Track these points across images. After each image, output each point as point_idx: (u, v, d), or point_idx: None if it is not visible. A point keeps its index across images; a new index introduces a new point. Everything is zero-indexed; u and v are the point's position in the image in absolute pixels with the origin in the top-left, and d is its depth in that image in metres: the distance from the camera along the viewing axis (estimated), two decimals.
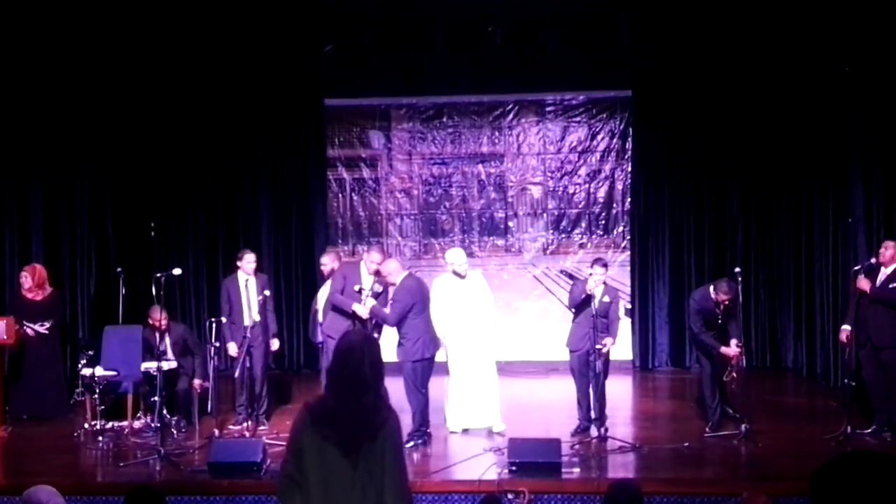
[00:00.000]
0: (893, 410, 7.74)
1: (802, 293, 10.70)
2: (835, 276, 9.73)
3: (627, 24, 10.50)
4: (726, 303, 7.78)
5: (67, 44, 9.85)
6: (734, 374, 7.87)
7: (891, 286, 7.68)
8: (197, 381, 8.42)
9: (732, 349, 7.83)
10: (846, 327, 7.95)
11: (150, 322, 8.55)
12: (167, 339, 8.66)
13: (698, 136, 11.41)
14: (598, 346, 7.79)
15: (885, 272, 7.76)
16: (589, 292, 7.87)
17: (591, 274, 8.05)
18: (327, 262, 8.66)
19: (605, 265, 8.22)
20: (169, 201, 11.63)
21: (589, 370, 7.93)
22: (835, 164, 9.88)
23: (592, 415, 7.98)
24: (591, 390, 7.99)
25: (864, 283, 7.72)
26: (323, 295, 8.51)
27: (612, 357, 8.29)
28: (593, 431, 7.89)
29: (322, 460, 3.36)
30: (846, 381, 7.94)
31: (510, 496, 6.33)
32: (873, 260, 7.92)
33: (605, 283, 8.13)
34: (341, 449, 3.34)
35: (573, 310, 8.16)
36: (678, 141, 11.46)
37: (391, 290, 8.06)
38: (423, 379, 7.84)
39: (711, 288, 7.92)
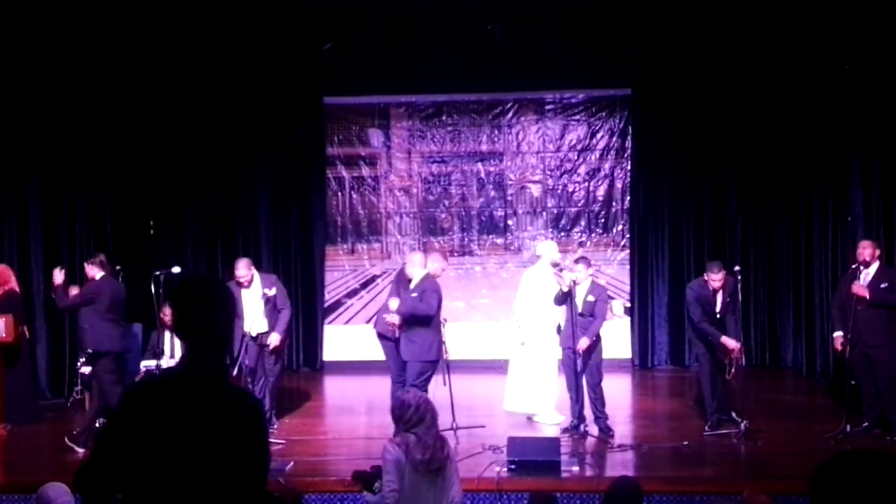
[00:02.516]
0: (884, 408, 7.74)
1: (802, 291, 10.70)
2: (834, 275, 9.71)
3: (627, 23, 10.50)
4: (720, 285, 7.81)
5: (66, 42, 9.84)
6: (734, 370, 7.87)
7: (881, 286, 7.68)
8: None
9: (733, 341, 7.84)
10: (839, 334, 7.90)
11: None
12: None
13: (698, 134, 11.41)
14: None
15: (867, 273, 7.74)
16: (565, 289, 7.91)
17: (562, 271, 8.11)
18: (245, 272, 8.17)
19: (589, 264, 8.23)
20: (168, 200, 11.63)
21: (577, 367, 7.96)
22: (834, 163, 9.88)
23: (591, 413, 7.98)
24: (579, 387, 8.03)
25: (861, 290, 7.68)
26: (254, 304, 8.15)
27: (612, 356, 8.30)
28: (583, 429, 7.91)
29: (414, 480, 4.64)
30: (852, 382, 7.95)
31: None
32: (853, 265, 7.84)
33: (593, 281, 8.16)
34: (430, 471, 4.65)
35: (562, 306, 8.18)
36: (677, 139, 11.47)
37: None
38: (427, 380, 7.83)
39: (705, 275, 7.99)
